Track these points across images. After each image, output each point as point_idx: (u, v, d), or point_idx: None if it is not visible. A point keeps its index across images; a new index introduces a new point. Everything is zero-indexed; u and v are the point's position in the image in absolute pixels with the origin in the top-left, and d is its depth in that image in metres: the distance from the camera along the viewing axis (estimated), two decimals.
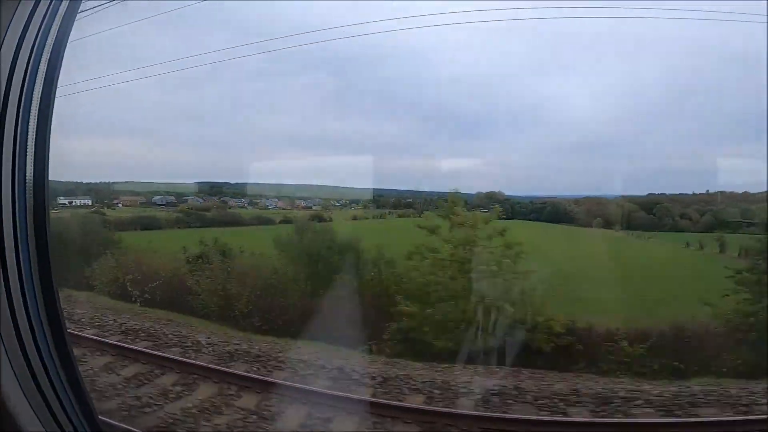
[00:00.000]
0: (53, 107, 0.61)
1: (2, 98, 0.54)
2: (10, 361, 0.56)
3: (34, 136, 0.58)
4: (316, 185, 15.33)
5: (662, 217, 13.00)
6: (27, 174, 0.57)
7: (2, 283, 0.56)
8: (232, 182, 15.42)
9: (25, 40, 0.58)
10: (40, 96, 0.59)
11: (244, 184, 15.22)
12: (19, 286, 0.57)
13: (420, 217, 12.08)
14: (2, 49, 0.55)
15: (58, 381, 0.62)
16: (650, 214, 12.99)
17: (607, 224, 11.96)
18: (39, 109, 0.59)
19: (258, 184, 14.73)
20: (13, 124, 0.55)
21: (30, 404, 0.58)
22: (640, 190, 13.18)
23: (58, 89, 0.62)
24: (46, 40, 0.60)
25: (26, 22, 0.58)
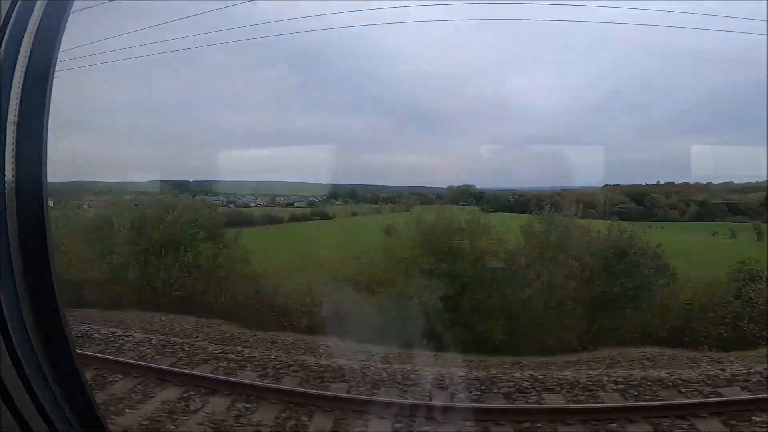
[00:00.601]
0: (49, 107, 0.55)
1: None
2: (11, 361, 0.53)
3: (32, 137, 0.49)
4: (280, 181, 15.12)
5: (652, 207, 13.21)
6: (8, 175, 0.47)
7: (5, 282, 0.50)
8: (194, 180, 14.60)
9: (23, 38, 0.52)
10: (37, 95, 0.52)
11: (210, 182, 14.50)
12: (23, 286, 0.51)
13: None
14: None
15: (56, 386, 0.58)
16: (640, 205, 13.16)
17: (602, 215, 12.13)
18: (37, 108, 0.52)
19: (226, 181, 14.19)
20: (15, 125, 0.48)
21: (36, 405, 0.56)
22: (618, 181, 13.44)
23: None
24: (41, 38, 0.53)
25: (22, 19, 0.52)
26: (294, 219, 13.94)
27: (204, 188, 14.11)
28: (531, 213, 10.09)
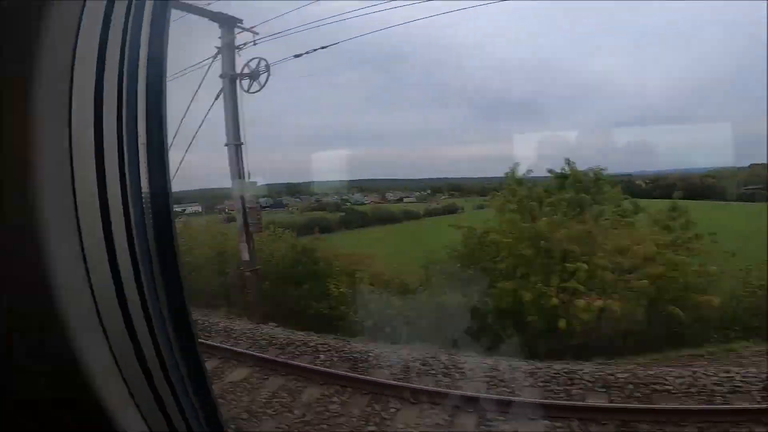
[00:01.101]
0: (166, 114, 0.57)
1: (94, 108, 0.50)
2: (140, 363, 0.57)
3: (151, 146, 0.55)
4: (371, 179, 15.33)
5: None
6: (146, 184, 0.55)
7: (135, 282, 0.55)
8: (299, 182, 15.65)
9: (122, 42, 0.56)
10: (146, 102, 0.57)
11: (309, 183, 15.40)
12: (152, 287, 0.58)
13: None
14: (108, 54, 0.53)
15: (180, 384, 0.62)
16: None
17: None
18: (150, 115, 0.57)
19: (326, 181, 14.80)
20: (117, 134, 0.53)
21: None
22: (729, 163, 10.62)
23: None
24: (141, 41, 0.58)
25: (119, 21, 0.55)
26: (429, 214, 13.90)
27: (310, 189, 15.33)
28: (672, 198, 8.45)
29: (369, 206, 15.34)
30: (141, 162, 0.52)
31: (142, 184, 0.52)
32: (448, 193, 15.52)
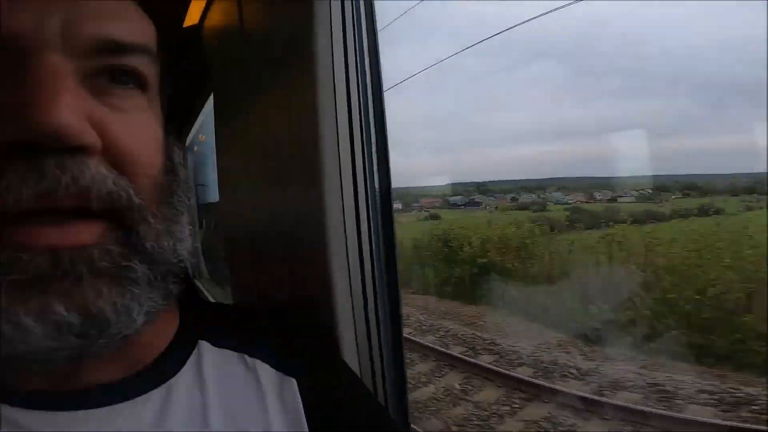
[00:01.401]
0: (384, 108, 0.63)
1: (346, 104, 0.57)
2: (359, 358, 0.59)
3: (377, 141, 0.60)
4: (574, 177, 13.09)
5: None
6: (375, 180, 0.60)
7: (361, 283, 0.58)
8: (488, 180, 14.85)
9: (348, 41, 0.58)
10: (372, 97, 0.61)
11: (503, 182, 14.43)
12: (372, 286, 0.60)
13: None
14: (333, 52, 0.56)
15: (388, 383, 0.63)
16: None
17: None
18: (375, 110, 0.61)
19: (517, 180, 13.84)
20: (359, 131, 0.58)
21: None
22: None
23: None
24: (364, 38, 0.60)
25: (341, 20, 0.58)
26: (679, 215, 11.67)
27: (503, 187, 14.70)
28: None
29: (589, 205, 13.69)
30: (370, 161, 0.59)
31: (373, 183, 0.59)
32: (681, 192, 12.45)
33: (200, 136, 2.35)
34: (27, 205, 0.24)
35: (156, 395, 0.35)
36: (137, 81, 0.31)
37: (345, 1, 0.56)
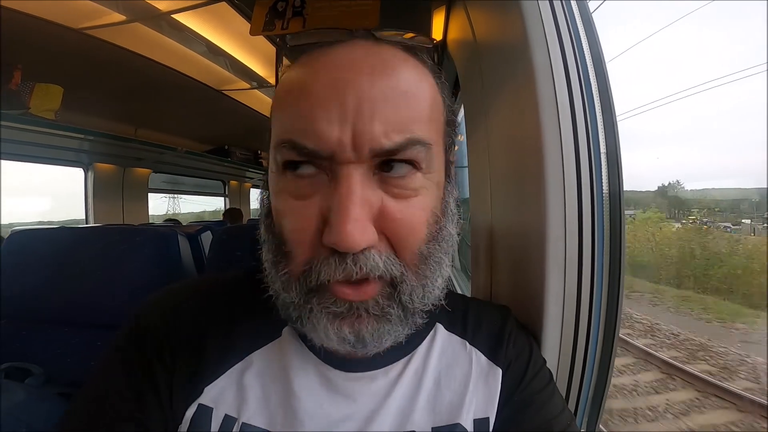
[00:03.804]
0: (615, 111, 0.58)
1: (569, 110, 0.55)
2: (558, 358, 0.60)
3: (606, 145, 0.57)
4: None
5: None
6: (603, 184, 0.58)
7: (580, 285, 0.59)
8: None
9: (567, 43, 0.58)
10: (599, 100, 0.58)
11: None
12: (588, 291, 0.59)
13: None
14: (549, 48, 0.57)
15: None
16: None
17: None
18: (604, 114, 0.57)
19: None
20: (585, 136, 0.55)
21: None
22: None
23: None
24: (582, 42, 0.59)
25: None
26: None
27: None
28: None
29: None
30: (603, 166, 0.56)
31: (601, 188, 0.56)
32: None
33: (459, 136, 2.53)
34: (338, 278, 0.38)
35: (400, 363, 0.49)
36: (413, 165, 0.39)
37: (555, 8, 0.56)
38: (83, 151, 3.03)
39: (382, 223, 0.38)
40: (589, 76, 0.57)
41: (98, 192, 3.33)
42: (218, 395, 0.46)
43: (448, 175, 0.45)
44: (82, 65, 2.05)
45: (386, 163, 0.38)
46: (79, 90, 2.26)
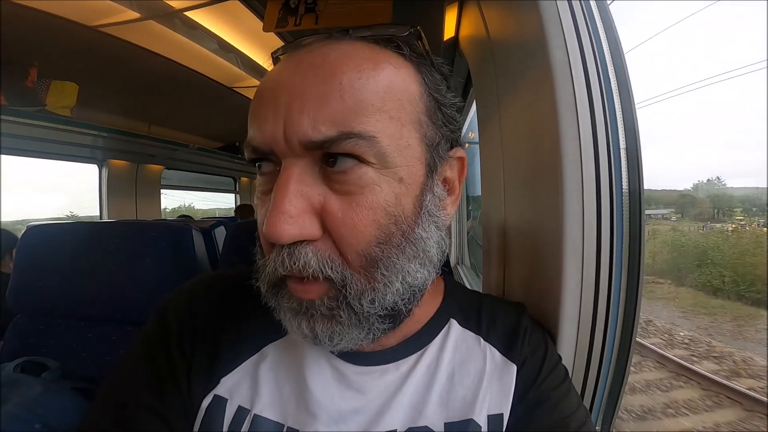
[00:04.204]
0: (635, 111, 0.57)
1: (588, 106, 0.54)
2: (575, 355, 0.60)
3: (626, 143, 0.56)
4: None
5: None
6: (623, 181, 0.57)
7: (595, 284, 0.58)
8: None
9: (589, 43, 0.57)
10: (619, 96, 0.57)
11: None
12: (606, 291, 0.58)
13: None
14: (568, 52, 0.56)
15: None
16: None
17: None
18: (624, 111, 0.56)
19: None
20: (604, 133, 0.54)
21: None
22: None
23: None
24: (601, 36, 0.58)
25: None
26: None
27: None
28: None
29: None
30: (622, 164, 0.55)
31: (620, 187, 0.55)
32: None
33: (470, 133, 2.49)
34: (282, 272, 0.38)
35: (413, 358, 0.49)
36: (359, 159, 0.37)
37: (574, 5, 0.55)
38: (98, 147, 3.07)
39: (325, 219, 0.38)
40: (608, 71, 0.56)
41: (112, 188, 3.38)
42: (233, 387, 0.48)
43: (432, 172, 0.43)
44: (96, 62, 2.07)
45: (330, 157, 0.37)
46: (94, 87, 2.29)
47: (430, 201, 0.42)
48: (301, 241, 0.37)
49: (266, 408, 0.46)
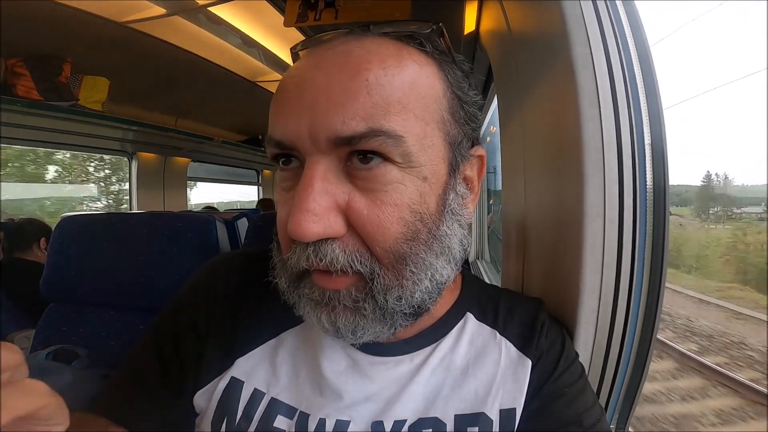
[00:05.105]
0: (662, 110, 0.55)
1: (611, 102, 0.53)
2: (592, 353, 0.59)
3: (651, 136, 0.54)
4: None
5: None
6: (647, 177, 0.56)
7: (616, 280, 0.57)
8: None
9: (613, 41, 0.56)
10: (647, 101, 0.55)
11: None
12: (627, 288, 0.57)
13: None
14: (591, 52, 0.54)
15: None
16: None
17: None
18: (650, 106, 0.55)
19: None
20: (628, 129, 0.53)
21: None
22: None
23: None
24: (626, 32, 0.56)
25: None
26: None
27: None
28: None
29: None
30: (647, 159, 0.54)
31: (644, 182, 0.54)
32: None
33: (491, 128, 2.45)
34: (304, 266, 0.39)
35: (427, 350, 0.49)
36: (384, 157, 0.37)
37: (597, 1, 0.54)
38: (128, 140, 3.18)
39: (351, 217, 0.38)
40: (633, 65, 0.54)
41: (141, 180, 3.49)
42: (250, 369, 0.49)
43: (454, 171, 0.43)
44: (125, 57, 2.14)
45: (355, 155, 0.37)
46: (123, 81, 2.36)
47: (453, 200, 0.42)
48: (326, 239, 0.38)
49: (282, 392, 0.47)
